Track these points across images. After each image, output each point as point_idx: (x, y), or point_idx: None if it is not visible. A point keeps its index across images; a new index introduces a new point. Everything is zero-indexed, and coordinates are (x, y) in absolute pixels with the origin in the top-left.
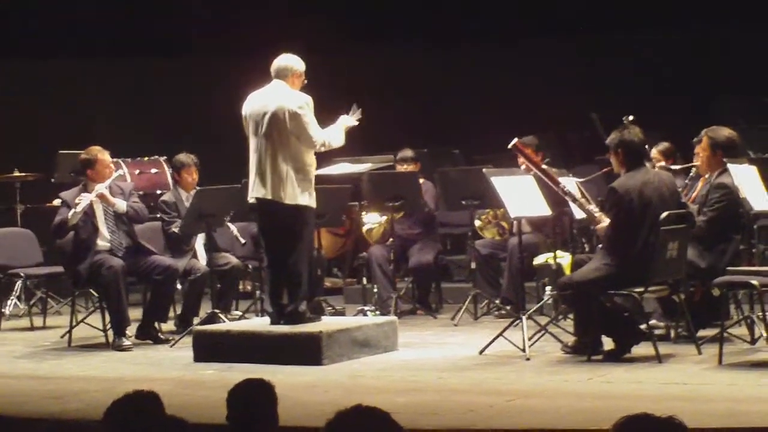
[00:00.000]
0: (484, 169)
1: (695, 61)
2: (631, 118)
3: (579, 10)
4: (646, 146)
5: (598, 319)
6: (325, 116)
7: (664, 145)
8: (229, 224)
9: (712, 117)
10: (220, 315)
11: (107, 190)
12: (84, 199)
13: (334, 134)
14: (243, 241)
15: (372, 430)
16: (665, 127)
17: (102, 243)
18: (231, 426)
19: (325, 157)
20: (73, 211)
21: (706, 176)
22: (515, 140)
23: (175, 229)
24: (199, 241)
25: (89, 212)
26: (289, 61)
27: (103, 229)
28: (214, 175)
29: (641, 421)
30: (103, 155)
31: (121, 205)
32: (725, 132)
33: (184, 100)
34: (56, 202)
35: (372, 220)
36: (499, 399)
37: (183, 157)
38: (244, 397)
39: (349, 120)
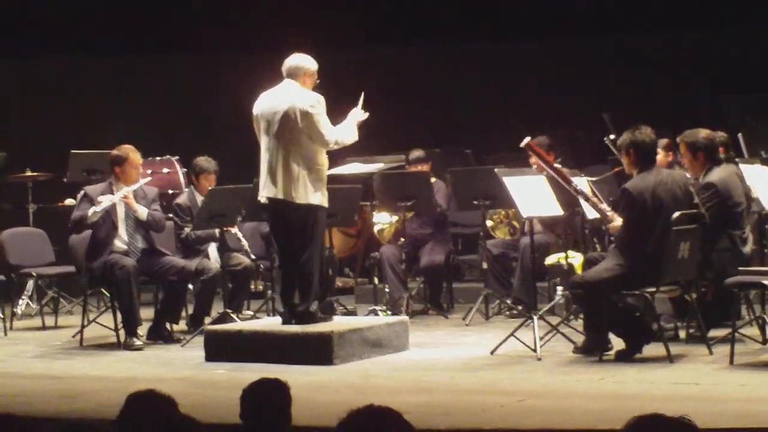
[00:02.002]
0: (495, 169)
1: (704, 60)
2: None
3: (589, 11)
4: None
5: (609, 319)
6: (337, 115)
7: (663, 141)
8: (241, 237)
9: (721, 116)
10: (231, 315)
11: (132, 194)
12: (107, 199)
13: (347, 131)
14: (253, 257)
15: (384, 429)
16: (670, 127)
17: (119, 244)
18: (244, 425)
19: (336, 157)
20: (93, 209)
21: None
22: (527, 139)
23: (188, 230)
24: (212, 243)
25: (111, 211)
26: (301, 60)
27: (122, 230)
28: (224, 174)
29: (653, 421)
30: (135, 155)
31: (143, 212)
32: (702, 134)
33: (195, 99)
34: (68, 201)
35: (383, 220)
36: (510, 399)
37: (204, 162)
38: (259, 396)
39: (359, 114)
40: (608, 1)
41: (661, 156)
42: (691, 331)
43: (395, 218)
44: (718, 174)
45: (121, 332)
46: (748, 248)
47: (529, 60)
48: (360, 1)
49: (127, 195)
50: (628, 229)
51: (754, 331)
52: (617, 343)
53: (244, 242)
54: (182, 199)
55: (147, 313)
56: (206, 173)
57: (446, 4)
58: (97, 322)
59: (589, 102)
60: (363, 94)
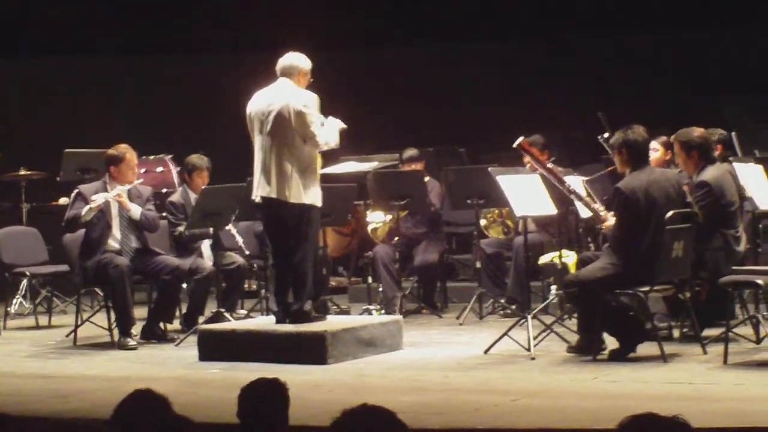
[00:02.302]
0: (489, 168)
1: (703, 60)
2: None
3: (589, 11)
4: (654, 141)
5: (602, 318)
6: (333, 115)
7: (662, 138)
8: (236, 234)
9: (716, 116)
10: (225, 314)
11: (126, 193)
12: (100, 198)
13: (332, 135)
14: (247, 252)
15: (377, 429)
16: (670, 127)
17: (112, 243)
18: (242, 423)
19: (330, 156)
20: (88, 207)
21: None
22: (521, 139)
23: (181, 228)
24: (206, 241)
25: (105, 210)
26: (296, 59)
27: (116, 229)
28: (218, 173)
29: (646, 420)
30: (131, 155)
31: (136, 212)
32: (695, 132)
33: (190, 98)
34: (62, 200)
35: (377, 219)
36: (504, 398)
37: (196, 159)
38: (258, 395)
39: (339, 122)
40: (608, 1)
41: (660, 153)
42: (684, 330)
43: (389, 217)
44: (711, 173)
45: (115, 331)
46: (741, 247)
47: (527, 59)
48: (358, 1)
49: (120, 194)
50: (621, 228)
51: (747, 330)
52: (611, 342)
53: (239, 238)
54: (175, 197)
55: (141, 313)
56: (199, 170)
57: (445, 5)
58: (91, 322)
59: (589, 102)
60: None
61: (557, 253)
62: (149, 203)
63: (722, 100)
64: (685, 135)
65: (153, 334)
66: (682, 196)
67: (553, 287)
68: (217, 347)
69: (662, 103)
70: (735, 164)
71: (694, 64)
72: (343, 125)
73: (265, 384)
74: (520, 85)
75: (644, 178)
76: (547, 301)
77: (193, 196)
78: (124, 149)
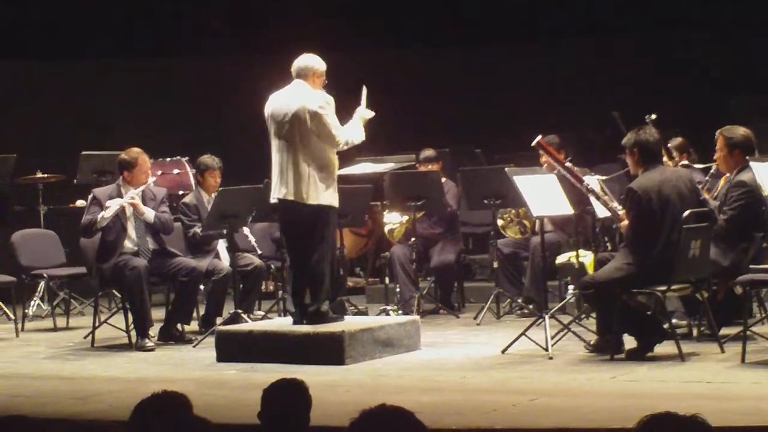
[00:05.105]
0: (506, 168)
1: (712, 59)
2: (653, 117)
3: (599, 10)
4: (668, 145)
5: (620, 319)
6: (345, 116)
7: (676, 140)
8: (248, 233)
9: (729, 115)
10: (242, 315)
11: (140, 197)
12: (114, 204)
13: (354, 130)
14: (260, 251)
15: (396, 429)
16: (683, 126)
17: (129, 245)
18: (262, 424)
19: (347, 157)
20: (102, 215)
21: (727, 175)
22: (539, 137)
23: (197, 230)
24: (222, 243)
25: (120, 213)
26: (311, 61)
27: (132, 231)
28: (234, 175)
29: (665, 419)
30: (144, 159)
31: (150, 215)
32: (741, 131)
33: (205, 100)
34: (79, 203)
35: (394, 220)
36: (522, 398)
37: (207, 159)
38: (280, 396)
39: (365, 112)
40: (620, 1)
41: (685, 162)
42: (702, 329)
43: (406, 218)
44: (750, 174)
45: (133, 333)
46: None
47: (541, 60)
48: (372, 2)
49: (134, 197)
50: (635, 228)
51: (765, 329)
52: (629, 341)
53: (251, 238)
54: (189, 198)
55: (158, 314)
56: (211, 170)
57: (458, 5)
58: (109, 323)
59: (598, 102)
60: (365, 89)
61: (574, 253)
62: (163, 205)
63: (737, 99)
64: (730, 130)
65: (171, 336)
66: (696, 194)
67: (570, 287)
68: (235, 348)
69: (669, 103)
70: (751, 163)
71: (702, 64)
72: (367, 116)
73: (287, 385)
74: (535, 86)
75: (657, 177)
76: (565, 301)
77: (205, 197)
78: (137, 154)
